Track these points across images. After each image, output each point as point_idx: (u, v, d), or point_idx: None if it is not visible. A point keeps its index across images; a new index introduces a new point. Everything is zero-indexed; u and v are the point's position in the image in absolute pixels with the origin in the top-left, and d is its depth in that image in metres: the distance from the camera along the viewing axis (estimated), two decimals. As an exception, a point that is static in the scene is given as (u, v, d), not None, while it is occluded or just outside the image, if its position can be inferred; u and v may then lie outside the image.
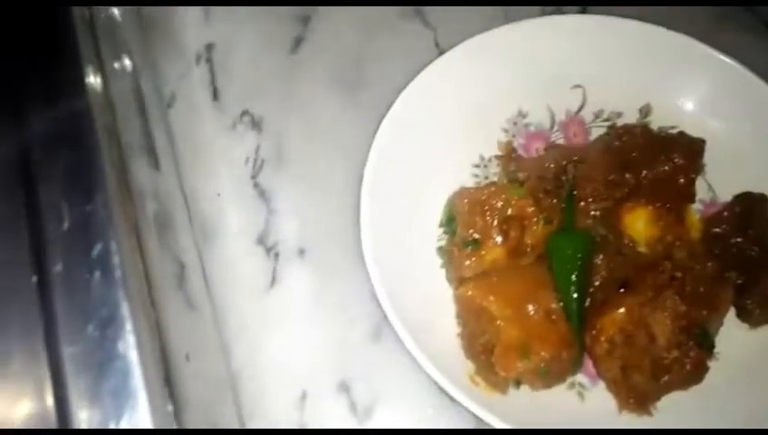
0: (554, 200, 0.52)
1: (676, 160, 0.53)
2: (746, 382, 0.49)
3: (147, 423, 0.35)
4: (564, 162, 0.53)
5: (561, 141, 0.58)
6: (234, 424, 0.48)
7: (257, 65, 0.61)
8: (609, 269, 0.50)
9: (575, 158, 0.53)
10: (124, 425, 0.35)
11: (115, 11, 0.50)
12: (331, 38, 0.62)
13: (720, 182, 0.56)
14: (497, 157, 0.57)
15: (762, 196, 0.54)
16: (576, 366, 0.49)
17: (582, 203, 0.52)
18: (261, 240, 0.55)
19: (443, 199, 0.54)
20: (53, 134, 0.39)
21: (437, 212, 0.54)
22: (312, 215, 0.56)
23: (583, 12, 0.62)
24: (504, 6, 0.62)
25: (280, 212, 0.56)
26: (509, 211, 0.51)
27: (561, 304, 0.49)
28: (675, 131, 0.56)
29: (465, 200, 0.52)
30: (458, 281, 0.51)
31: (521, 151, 0.57)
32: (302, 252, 0.55)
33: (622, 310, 0.48)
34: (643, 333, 0.48)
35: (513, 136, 0.57)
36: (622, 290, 0.49)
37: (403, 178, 0.53)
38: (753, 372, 0.50)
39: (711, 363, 0.49)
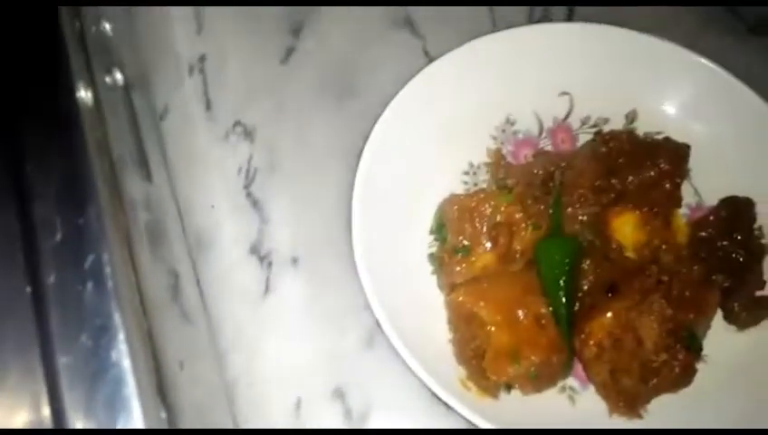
0: (542, 206, 0.52)
1: (662, 166, 0.53)
2: (735, 384, 0.50)
3: (141, 432, 0.35)
4: (552, 168, 0.54)
5: (549, 148, 0.58)
6: (229, 432, 0.49)
7: (249, 76, 0.62)
8: (597, 274, 0.50)
9: (563, 164, 0.54)
10: (118, 434, 0.35)
11: (107, 25, 0.50)
12: (321, 48, 0.62)
13: (706, 186, 0.56)
14: (486, 164, 0.57)
15: (747, 200, 0.54)
16: (566, 370, 0.50)
17: (570, 209, 0.52)
18: (254, 249, 0.55)
19: (433, 206, 0.54)
20: (46, 148, 0.40)
21: (428, 219, 0.55)
22: (304, 223, 0.56)
23: (571, 11, 0.63)
24: (492, 14, 0.63)
25: (273, 221, 0.56)
26: (498, 218, 0.52)
27: (551, 308, 0.49)
28: (660, 137, 0.56)
29: (455, 207, 0.52)
30: (449, 287, 0.52)
31: (509, 158, 0.57)
32: (295, 260, 0.55)
33: (610, 314, 0.48)
34: (631, 336, 0.48)
35: (502, 143, 0.58)
36: (610, 294, 0.49)
37: (394, 186, 0.54)
38: (741, 374, 0.50)
39: (699, 366, 0.49)
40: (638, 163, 0.54)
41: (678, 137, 0.56)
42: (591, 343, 0.49)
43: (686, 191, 0.56)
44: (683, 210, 0.56)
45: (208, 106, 0.60)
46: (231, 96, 0.61)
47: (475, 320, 0.49)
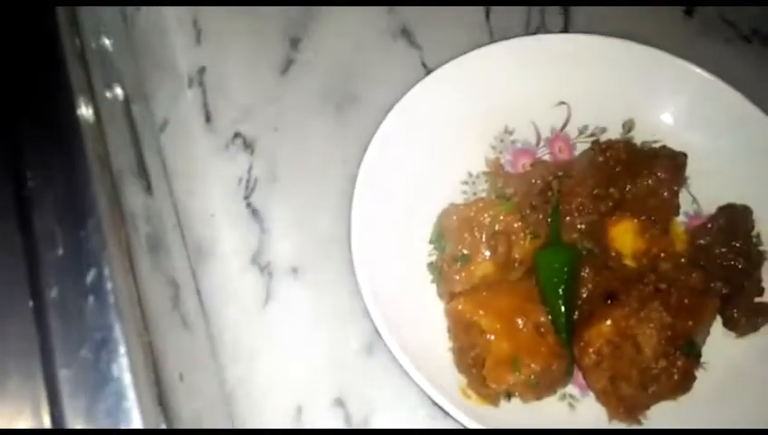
0: (541, 215, 0.52)
1: (659, 174, 0.53)
2: (734, 390, 0.50)
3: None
4: (550, 178, 0.54)
5: (547, 157, 0.58)
6: (229, 441, 0.49)
7: (249, 87, 0.62)
8: (596, 282, 0.51)
9: (560, 173, 0.54)
10: (119, 445, 0.35)
11: (106, 40, 0.50)
12: (320, 59, 0.63)
13: (704, 195, 0.57)
14: (485, 173, 0.57)
15: (745, 207, 0.54)
16: (566, 378, 0.50)
17: (568, 217, 0.53)
18: (254, 259, 0.56)
19: (432, 216, 0.55)
20: (47, 162, 0.40)
21: (427, 228, 0.55)
22: (304, 233, 0.56)
23: (566, 21, 0.64)
24: (488, 24, 0.63)
25: (273, 231, 0.57)
26: (497, 227, 0.52)
27: (550, 317, 0.50)
28: (657, 145, 0.57)
29: (454, 217, 0.53)
30: (449, 296, 0.52)
31: (508, 168, 0.58)
32: (295, 270, 0.55)
33: (609, 322, 0.48)
34: (630, 344, 0.48)
35: (501, 153, 0.58)
36: (609, 302, 0.50)
37: (393, 196, 0.54)
38: (740, 380, 0.51)
39: (699, 372, 0.50)
40: (635, 172, 0.54)
41: (675, 146, 0.56)
42: (591, 350, 0.49)
43: (684, 199, 0.56)
44: (681, 218, 0.56)
45: (208, 118, 0.61)
46: (231, 107, 0.61)
47: (475, 328, 0.49)
